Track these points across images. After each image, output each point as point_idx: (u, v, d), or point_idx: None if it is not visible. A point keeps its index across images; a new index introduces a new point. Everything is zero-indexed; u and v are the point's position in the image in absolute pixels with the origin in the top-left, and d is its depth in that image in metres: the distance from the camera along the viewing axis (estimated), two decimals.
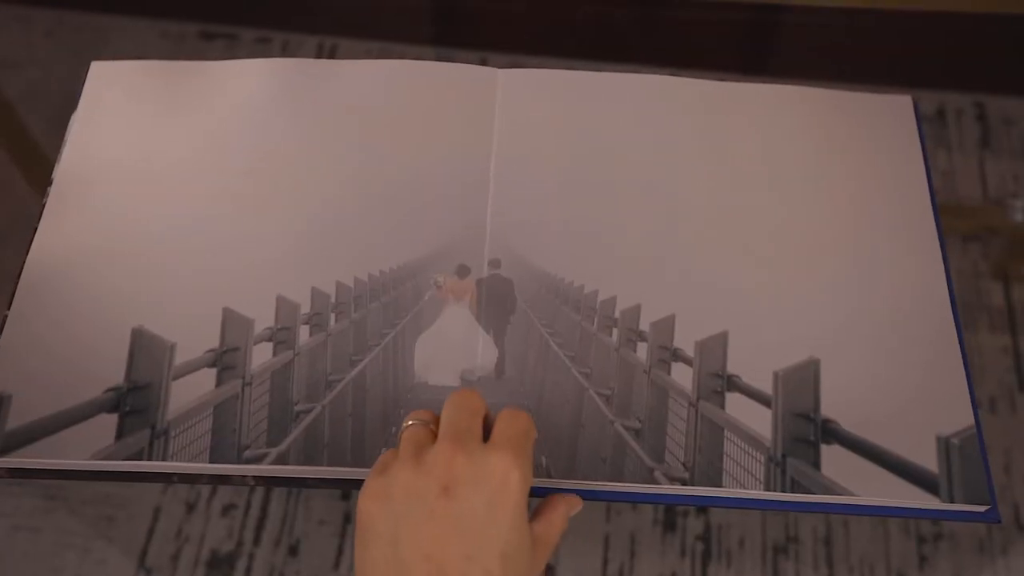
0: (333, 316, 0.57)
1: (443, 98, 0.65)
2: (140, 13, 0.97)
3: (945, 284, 0.59)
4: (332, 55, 0.96)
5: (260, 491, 0.76)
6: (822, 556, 0.73)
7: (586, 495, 0.53)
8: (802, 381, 0.55)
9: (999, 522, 0.53)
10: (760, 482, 0.53)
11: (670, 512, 0.74)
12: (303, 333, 0.56)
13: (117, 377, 0.54)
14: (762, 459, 0.53)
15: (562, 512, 0.49)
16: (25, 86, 0.93)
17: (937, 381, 0.56)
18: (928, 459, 0.53)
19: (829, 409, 0.55)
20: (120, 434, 0.52)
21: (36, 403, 0.53)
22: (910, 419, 0.55)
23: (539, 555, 0.46)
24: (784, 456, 0.53)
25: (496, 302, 0.58)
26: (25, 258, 0.59)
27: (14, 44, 0.96)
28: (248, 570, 0.72)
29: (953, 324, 0.58)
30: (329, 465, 0.52)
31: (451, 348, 0.56)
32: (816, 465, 0.53)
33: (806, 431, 0.54)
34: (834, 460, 0.53)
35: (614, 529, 0.74)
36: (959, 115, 0.91)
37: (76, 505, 0.75)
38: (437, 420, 0.48)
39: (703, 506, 0.73)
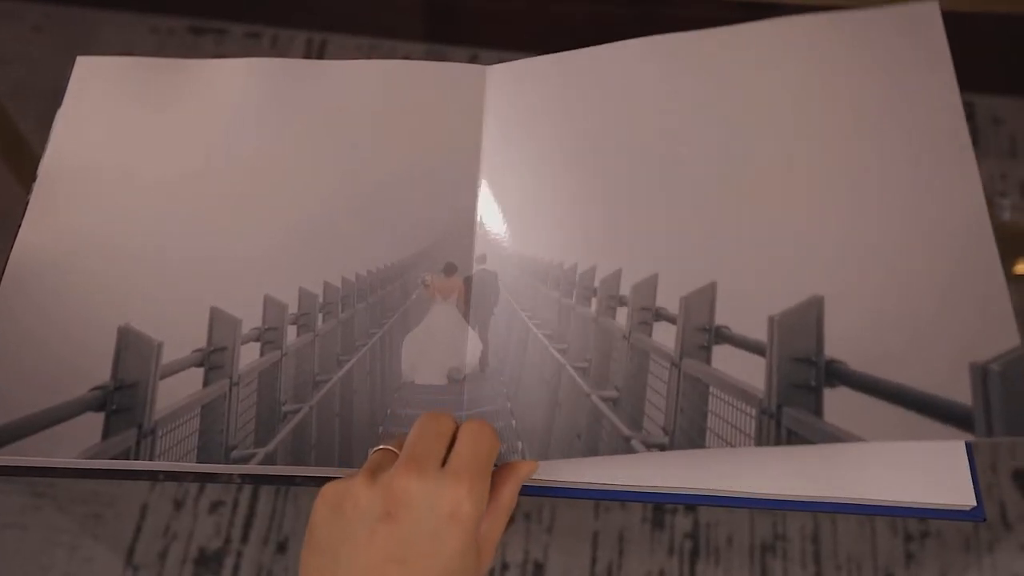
0: (321, 316, 0.57)
1: (431, 97, 0.64)
2: (129, 8, 0.97)
3: (980, 192, 0.52)
4: (321, 51, 0.95)
5: (248, 489, 0.76)
6: (810, 554, 0.73)
7: (574, 494, 0.53)
8: (803, 323, 0.50)
9: (984, 520, 0.53)
10: (751, 438, 0.49)
11: (659, 510, 0.75)
12: (291, 333, 0.56)
13: (103, 375, 0.54)
14: (753, 412, 0.49)
15: (508, 496, 0.47)
16: (14, 81, 0.92)
17: (970, 304, 0.48)
18: (960, 394, 0.46)
19: (835, 350, 0.49)
20: (106, 433, 0.52)
21: (21, 400, 0.53)
22: (937, 350, 0.47)
23: (484, 557, 0.45)
24: (779, 406, 0.48)
25: (482, 296, 0.58)
26: (9, 255, 0.59)
27: (2, 39, 0.95)
28: (236, 568, 0.72)
29: (991, 237, 0.49)
30: (317, 465, 0.52)
31: (438, 347, 0.56)
32: (818, 412, 0.48)
33: (806, 376, 0.49)
34: (839, 404, 0.48)
35: (603, 527, 0.74)
36: None
37: (64, 503, 0.75)
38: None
39: (692, 504, 0.73)
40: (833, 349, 0.49)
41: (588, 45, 0.62)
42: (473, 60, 0.67)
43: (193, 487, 0.76)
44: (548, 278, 0.57)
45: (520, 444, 0.52)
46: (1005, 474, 0.76)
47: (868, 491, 0.53)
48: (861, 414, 0.47)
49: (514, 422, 0.53)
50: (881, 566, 0.73)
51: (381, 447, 0.47)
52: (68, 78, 0.66)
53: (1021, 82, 0.94)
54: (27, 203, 0.61)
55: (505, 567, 0.73)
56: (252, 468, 0.52)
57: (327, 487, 0.44)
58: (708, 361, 0.51)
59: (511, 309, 0.57)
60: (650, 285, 0.53)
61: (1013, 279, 0.82)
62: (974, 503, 0.52)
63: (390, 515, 0.42)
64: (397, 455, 0.46)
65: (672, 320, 0.52)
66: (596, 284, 0.55)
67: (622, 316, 0.54)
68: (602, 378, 0.53)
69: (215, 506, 0.75)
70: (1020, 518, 0.74)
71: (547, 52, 0.79)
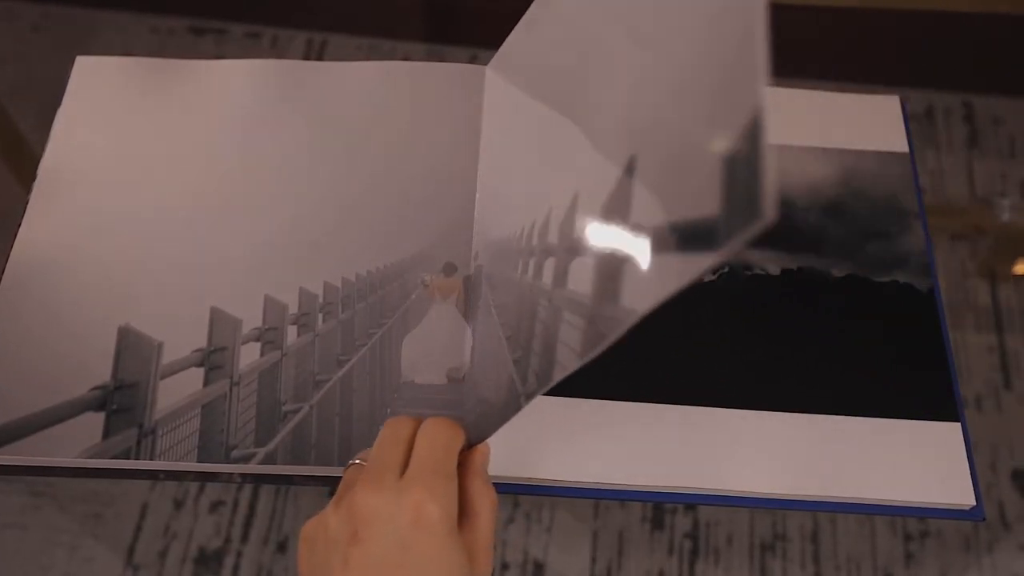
0: (321, 316, 0.57)
1: (431, 97, 0.64)
2: (129, 8, 0.97)
3: None
4: (322, 51, 0.95)
5: (248, 488, 0.76)
6: (809, 554, 0.73)
7: (574, 493, 0.53)
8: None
9: (983, 519, 0.53)
10: (576, 352, 0.41)
11: (658, 509, 0.75)
12: (291, 333, 0.56)
13: (103, 375, 0.54)
14: (582, 324, 0.42)
15: (482, 500, 0.45)
16: (13, 81, 0.92)
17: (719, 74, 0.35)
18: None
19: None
20: (107, 433, 0.52)
21: (21, 400, 0.53)
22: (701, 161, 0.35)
23: (479, 562, 0.43)
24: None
25: (472, 293, 0.58)
26: (9, 254, 0.59)
27: (1, 39, 0.95)
28: (236, 567, 0.72)
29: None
30: (317, 465, 0.52)
31: (438, 346, 0.56)
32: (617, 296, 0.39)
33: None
34: (627, 278, 0.39)
35: (602, 526, 0.74)
36: (947, 114, 0.91)
37: (64, 502, 0.75)
38: None
39: (691, 503, 0.73)
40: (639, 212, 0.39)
41: None
42: (473, 60, 0.67)
43: (193, 487, 0.75)
44: (510, 255, 0.54)
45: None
46: (1004, 474, 0.76)
47: (868, 490, 0.53)
48: (636, 280, 0.38)
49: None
50: (880, 566, 0.73)
51: (353, 461, 0.46)
52: (67, 78, 0.66)
53: (1020, 82, 0.94)
54: (27, 203, 0.61)
55: (505, 567, 0.73)
56: (252, 468, 0.52)
57: (305, 525, 0.44)
58: (565, 282, 0.45)
59: (486, 299, 0.56)
60: (570, 219, 0.46)
61: (1013, 279, 0.82)
62: (974, 502, 0.53)
63: (356, 536, 0.41)
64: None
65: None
66: (535, 242, 0.50)
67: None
68: (518, 338, 0.50)
69: (215, 506, 0.75)
70: (1019, 518, 0.74)
71: None
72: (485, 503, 0.45)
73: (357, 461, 0.46)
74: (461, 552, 0.42)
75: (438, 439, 0.44)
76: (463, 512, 0.44)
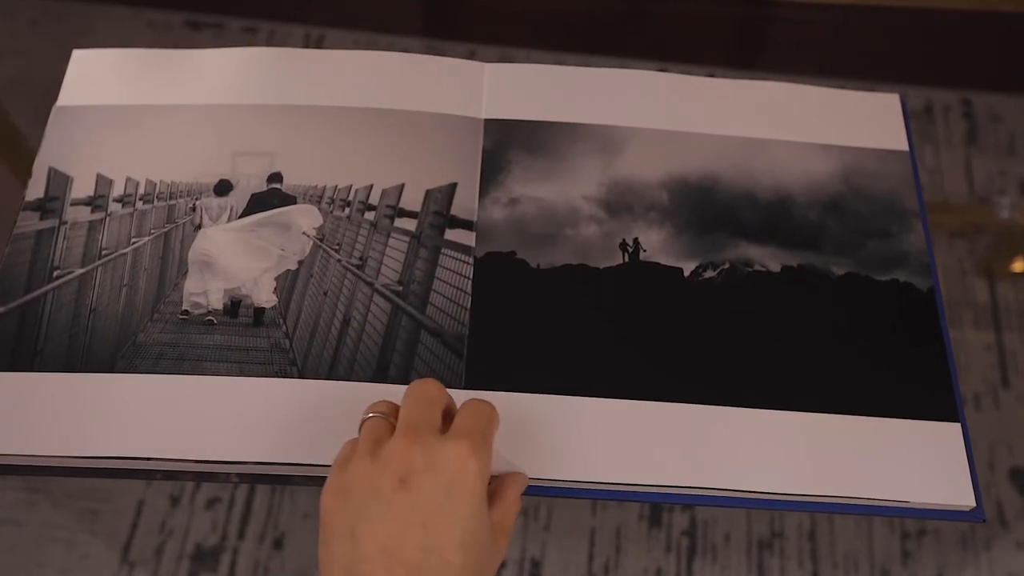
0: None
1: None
2: (126, 2, 0.97)
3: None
4: (319, 45, 0.95)
5: (245, 485, 0.76)
6: (807, 552, 0.73)
7: (571, 493, 0.53)
8: None
9: (983, 521, 0.53)
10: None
11: (656, 507, 0.75)
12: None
13: None
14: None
15: (514, 493, 0.48)
16: (9, 76, 0.92)
17: None
18: None
19: None
20: None
21: None
22: None
23: (499, 541, 0.46)
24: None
25: None
26: (7, 248, 0.59)
27: None
28: (233, 564, 0.72)
29: None
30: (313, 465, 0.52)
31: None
32: None
33: None
34: None
35: (600, 524, 0.74)
36: (946, 111, 0.91)
37: (59, 499, 0.75)
38: (396, 411, 0.48)
39: (689, 504, 0.73)
40: None
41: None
42: (471, 56, 0.67)
43: (189, 483, 0.75)
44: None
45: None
46: (1002, 472, 0.76)
47: (866, 490, 0.53)
48: None
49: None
50: (878, 564, 0.73)
51: (371, 415, 0.48)
52: (64, 72, 0.65)
53: (1020, 80, 0.94)
54: (23, 198, 0.60)
55: (503, 564, 0.73)
56: (250, 468, 0.52)
57: (328, 481, 0.45)
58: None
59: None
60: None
61: (1011, 277, 0.82)
62: (974, 503, 0.52)
63: (404, 482, 0.42)
64: (391, 423, 0.47)
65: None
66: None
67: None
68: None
69: (211, 503, 0.75)
70: (1017, 516, 0.74)
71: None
72: (511, 501, 0.48)
73: (372, 415, 0.47)
74: (487, 516, 0.44)
75: (481, 414, 0.47)
76: (496, 501, 0.47)
